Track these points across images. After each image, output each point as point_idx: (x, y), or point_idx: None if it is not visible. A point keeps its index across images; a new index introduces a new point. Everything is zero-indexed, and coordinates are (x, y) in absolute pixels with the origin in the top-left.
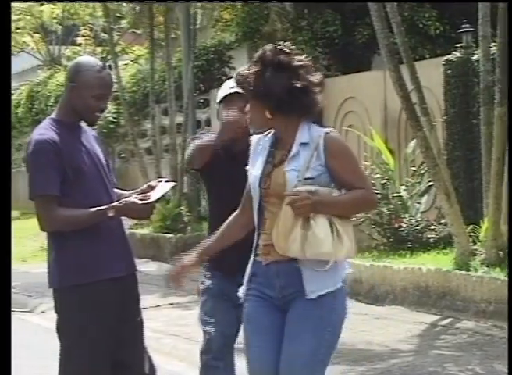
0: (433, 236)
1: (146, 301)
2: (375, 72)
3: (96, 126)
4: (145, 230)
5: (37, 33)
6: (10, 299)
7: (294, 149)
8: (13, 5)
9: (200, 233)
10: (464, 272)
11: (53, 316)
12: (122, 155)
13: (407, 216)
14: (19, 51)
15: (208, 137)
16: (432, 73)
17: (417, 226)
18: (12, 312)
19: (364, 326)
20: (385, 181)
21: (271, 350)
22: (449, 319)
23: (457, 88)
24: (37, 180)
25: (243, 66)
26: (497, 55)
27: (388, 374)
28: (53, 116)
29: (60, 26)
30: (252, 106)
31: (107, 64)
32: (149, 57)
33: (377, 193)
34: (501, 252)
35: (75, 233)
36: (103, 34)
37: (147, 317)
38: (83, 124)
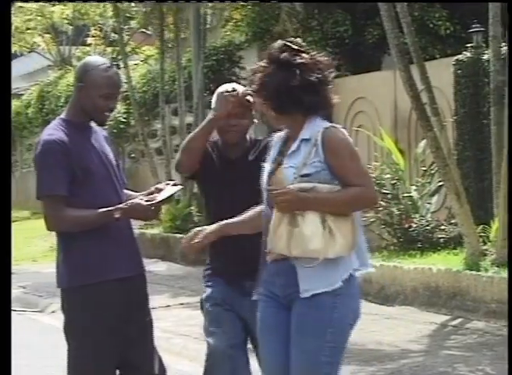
0: (443, 236)
1: (156, 301)
2: (385, 72)
3: (106, 127)
4: (155, 230)
5: (48, 33)
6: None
7: (294, 146)
8: (24, 5)
9: None
10: (474, 272)
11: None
12: (133, 155)
13: (417, 216)
14: (29, 52)
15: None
16: (442, 73)
17: (427, 226)
18: (23, 312)
19: (375, 327)
20: (395, 181)
21: (278, 351)
22: (459, 320)
23: (467, 88)
24: (45, 180)
25: (252, 66)
26: (507, 55)
27: (398, 374)
28: (62, 116)
29: (70, 27)
30: (259, 104)
31: (115, 63)
32: (159, 57)
33: (387, 193)
34: None
35: (83, 234)
36: (113, 34)
37: (157, 317)
38: (93, 124)
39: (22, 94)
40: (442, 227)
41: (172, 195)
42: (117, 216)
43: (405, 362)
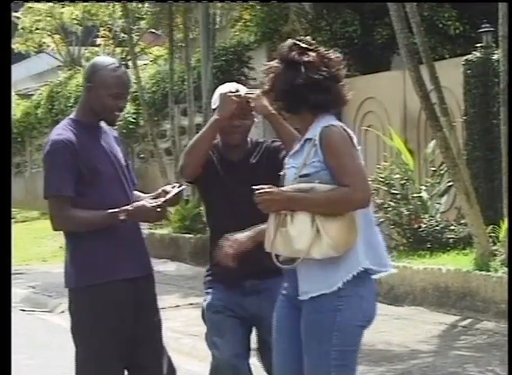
0: (453, 236)
1: (165, 301)
2: (394, 72)
3: (116, 127)
4: (164, 231)
5: (58, 34)
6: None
7: (298, 146)
8: (34, 5)
9: None
10: (483, 272)
11: None
12: (142, 156)
13: (426, 216)
14: (38, 52)
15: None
16: (451, 73)
17: (436, 226)
18: (33, 312)
19: (384, 327)
20: (404, 181)
21: (288, 352)
22: (469, 320)
23: (477, 88)
24: (52, 180)
25: (261, 66)
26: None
27: None
28: (72, 116)
29: (80, 27)
30: (271, 105)
31: (123, 63)
32: (168, 57)
33: (396, 193)
34: None
35: (90, 234)
36: (122, 35)
37: (166, 317)
38: (103, 124)
39: (31, 95)
40: (452, 227)
41: (177, 197)
42: (122, 217)
43: (415, 362)
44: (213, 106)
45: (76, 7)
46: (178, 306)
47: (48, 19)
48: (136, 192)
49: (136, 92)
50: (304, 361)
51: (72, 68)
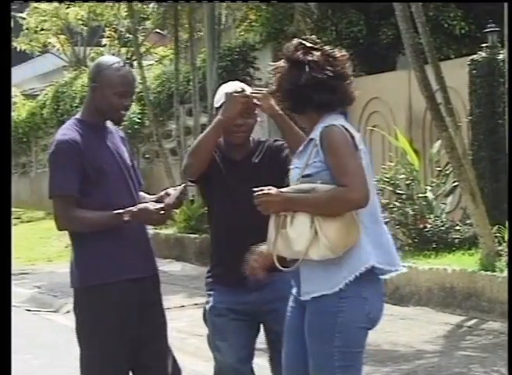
0: (458, 236)
1: (170, 301)
2: (399, 72)
3: (121, 127)
4: (170, 231)
5: (63, 34)
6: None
7: (302, 146)
8: (39, 6)
9: None
10: (489, 273)
11: None
12: (147, 156)
13: (432, 216)
14: (44, 52)
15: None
16: (457, 73)
17: (442, 226)
18: (38, 312)
19: (389, 327)
20: (409, 181)
21: (295, 352)
22: (474, 320)
23: (483, 88)
24: (57, 179)
25: (267, 66)
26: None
27: None
28: (77, 116)
29: (85, 28)
30: (277, 105)
31: (128, 62)
32: (173, 58)
33: (401, 193)
34: None
35: (95, 234)
36: (128, 35)
37: (172, 317)
38: (108, 125)
39: (37, 95)
40: (457, 228)
41: (180, 198)
42: (126, 218)
43: (420, 362)
44: (216, 105)
45: (82, 7)
46: (183, 306)
47: (54, 19)
48: (141, 193)
49: (141, 92)
50: (309, 361)
51: (77, 68)
